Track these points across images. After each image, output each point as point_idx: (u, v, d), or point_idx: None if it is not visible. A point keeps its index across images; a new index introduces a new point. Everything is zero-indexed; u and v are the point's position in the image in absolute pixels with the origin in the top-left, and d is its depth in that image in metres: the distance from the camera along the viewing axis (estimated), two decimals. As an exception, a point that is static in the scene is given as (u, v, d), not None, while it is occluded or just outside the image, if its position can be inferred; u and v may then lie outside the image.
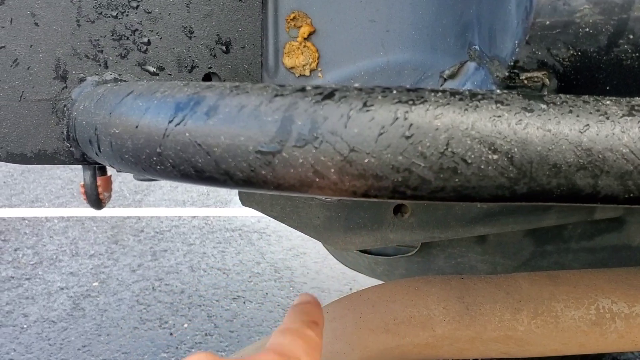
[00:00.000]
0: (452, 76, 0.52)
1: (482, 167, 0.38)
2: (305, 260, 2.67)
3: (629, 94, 0.44)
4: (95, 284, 2.41)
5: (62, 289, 2.36)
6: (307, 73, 0.63)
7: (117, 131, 0.46)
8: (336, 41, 0.62)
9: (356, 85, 0.40)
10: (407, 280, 0.82)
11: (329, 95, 0.39)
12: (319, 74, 0.63)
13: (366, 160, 0.38)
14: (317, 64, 0.63)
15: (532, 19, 0.41)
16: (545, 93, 0.44)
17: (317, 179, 0.40)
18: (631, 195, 0.39)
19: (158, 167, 0.44)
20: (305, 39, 0.62)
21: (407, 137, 0.38)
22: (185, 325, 2.13)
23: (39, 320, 2.13)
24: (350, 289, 2.44)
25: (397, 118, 0.38)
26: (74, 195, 3.56)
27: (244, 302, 2.29)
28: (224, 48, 0.61)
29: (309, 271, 2.58)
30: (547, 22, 0.41)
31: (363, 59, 0.61)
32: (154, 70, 0.59)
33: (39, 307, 2.22)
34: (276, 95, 0.40)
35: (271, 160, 0.40)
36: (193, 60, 0.60)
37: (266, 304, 2.30)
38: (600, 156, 0.38)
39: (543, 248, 1.05)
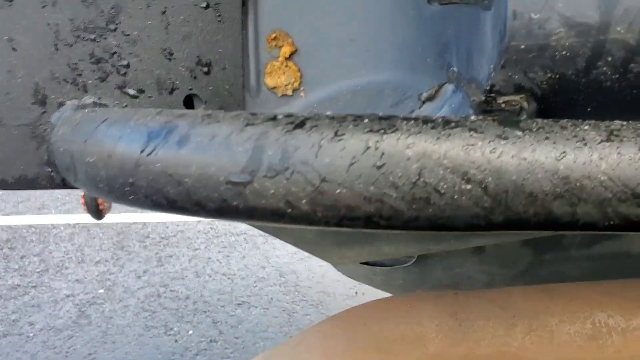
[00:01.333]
0: (430, 98, 0.51)
1: (456, 197, 0.37)
2: (310, 264, 2.66)
3: (611, 115, 0.43)
4: (101, 291, 2.42)
5: (68, 296, 2.37)
6: (289, 93, 0.62)
7: (91, 160, 0.46)
8: (318, 60, 0.61)
9: (328, 113, 0.39)
10: (399, 297, 0.81)
11: (300, 124, 0.39)
12: (302, 94, 0.62)
13: (338, 191, 0.38)
14: (300, 83, 0.62)
15: (507, 43, 0.40)
16: (524, 117, 0.43)
17: (289, 210, 0.39)
18: (611, 222, 0.38)
19: (131, 196, 0.43)
20: (286, 58, 0.61)
21: (379, 167, 0.37)
22: (190, 331, 2.14)
23: (45, 328, 2.14)
24: (356, 292, 2.43)
25: (368, 147, 0.37)
26: (79, 202, 3.57)
27: (249, 308, 2.29)
28: (204, 69, 0.60)
29: (314, 275, 2.58)
30: (522, 46, 0.40)
31: (345, 78, 0.61)
32: (134, 92, 0.59)
33: (45, 315, 2.23)
34: (247, 125, 0.40)
35: (242, 190, 0.39)
36: (173, 82, 0.59)
37: (271, 309, 2.30)
38: (577, 184, 0.37)
39: (542, 257, 1.03)
